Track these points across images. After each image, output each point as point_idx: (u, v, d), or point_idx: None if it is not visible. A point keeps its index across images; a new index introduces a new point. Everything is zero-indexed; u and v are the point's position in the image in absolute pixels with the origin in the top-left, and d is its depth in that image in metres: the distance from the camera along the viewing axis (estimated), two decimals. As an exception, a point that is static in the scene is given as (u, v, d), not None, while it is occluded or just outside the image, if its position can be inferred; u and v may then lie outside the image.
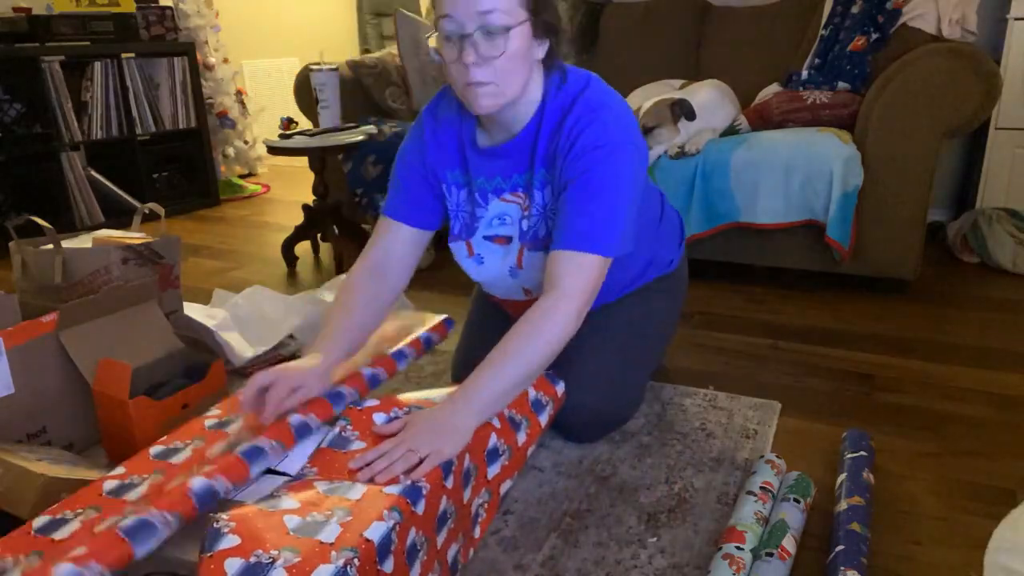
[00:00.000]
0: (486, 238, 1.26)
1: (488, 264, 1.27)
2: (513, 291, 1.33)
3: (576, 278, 1.09)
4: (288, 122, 3.13)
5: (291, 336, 1.88)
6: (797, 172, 2.10)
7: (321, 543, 0.82)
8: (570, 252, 1.09)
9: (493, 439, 1.12)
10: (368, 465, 0.96)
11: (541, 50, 1.11)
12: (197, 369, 1.49)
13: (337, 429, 1.09)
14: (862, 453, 1.29)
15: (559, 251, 1.11)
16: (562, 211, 1.13)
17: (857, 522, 1.10)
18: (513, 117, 1.16)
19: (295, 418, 1.06)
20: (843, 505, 1.15)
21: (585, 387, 1.32)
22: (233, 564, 0.78)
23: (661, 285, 1.47)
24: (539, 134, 1.16)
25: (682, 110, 2.23)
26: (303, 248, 2.87)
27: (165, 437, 1.11)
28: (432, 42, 1.08)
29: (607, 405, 1.37)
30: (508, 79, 1.07)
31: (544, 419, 1.24)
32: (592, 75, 1.19)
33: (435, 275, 2.51)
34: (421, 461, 0.96)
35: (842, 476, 1.24)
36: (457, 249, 1.30)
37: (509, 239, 1.24)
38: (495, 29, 1.02)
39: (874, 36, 2.35)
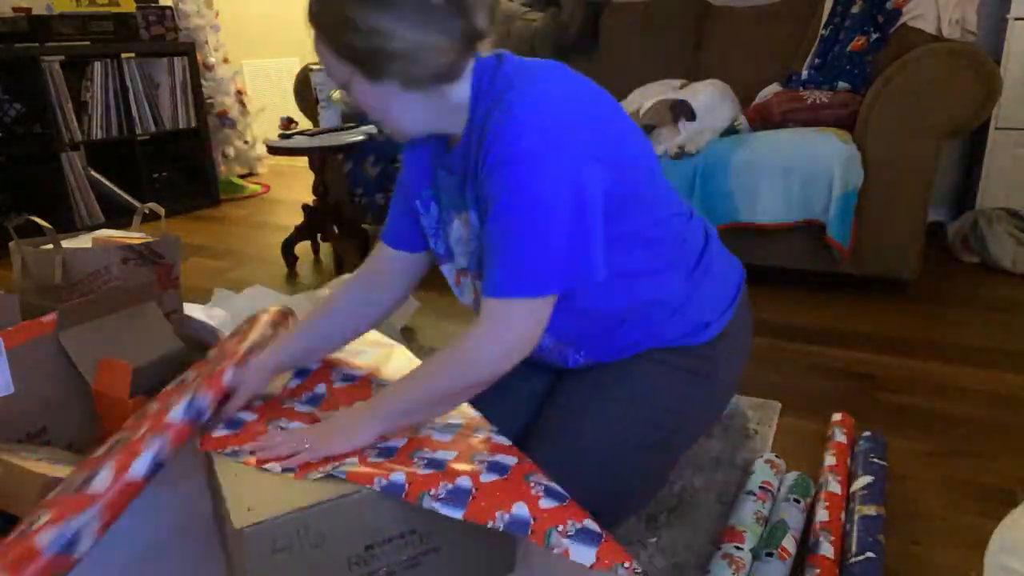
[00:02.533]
0: (459, 270, 1.16)
1: (466, 298, 1.19)
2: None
3: (497, 324, 0.95)
4: (288, 122, 3.12)
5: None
6: (797, 172, 2.10)
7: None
8: (490, 299, 0.95)
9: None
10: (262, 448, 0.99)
11: (398, 76, 0.95)
12: None
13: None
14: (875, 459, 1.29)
15: (484, 297, 0.97)
16: (484, 247, 0.99)
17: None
18: (446, 129, 1.04)
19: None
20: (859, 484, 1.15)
21: (555, 467, 1.00)
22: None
23: (682, 360, 1.11)
24: (469, 144, 1.01)
25: (682, 111, 2.23)
26: (303, 248, 2.87)
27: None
28: None
29: (589, 494, 0.97)
30: (384, 118, 1.01)
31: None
32: (533, 68, 0.98)
33: (435, 275, 2.51)
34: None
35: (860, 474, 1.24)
36: (447, 274, 1.20)
37: (466, 271, 1.13)
38: (341, 85, 1.00)
39: (874, 36, 2.35)
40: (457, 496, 0.86)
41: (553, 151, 0.91)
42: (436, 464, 0.93)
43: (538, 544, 0.82)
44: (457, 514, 0.85)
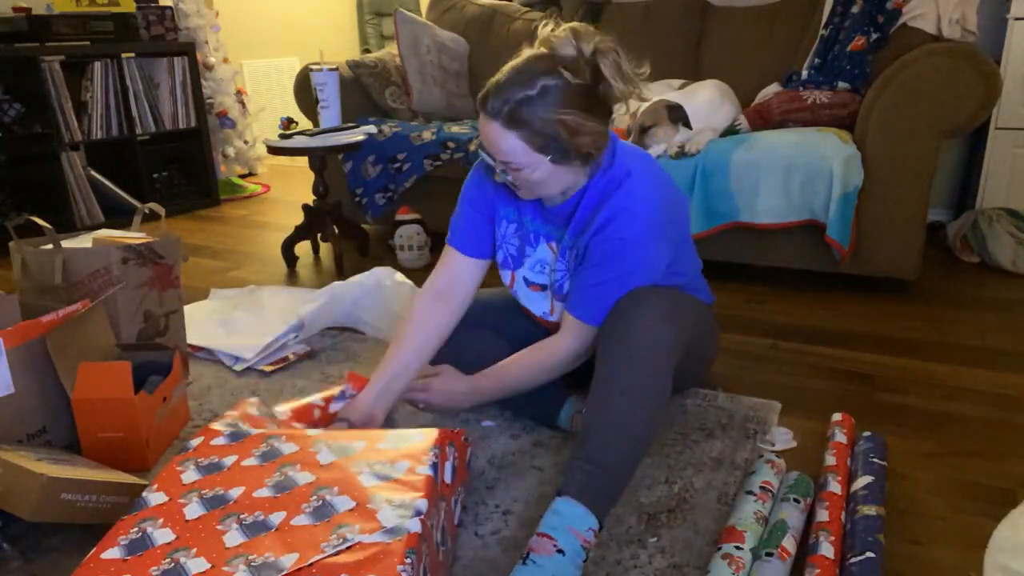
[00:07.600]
0: (526, 281, 1.42)
1: (524, 301, 1.46)
2: (543, 317, 1.46)
3: (575, 338, 1.31)
4: (288, 122, 3.12)
5: (298, 325, 1.90)
6: (797, 172, 2.10)
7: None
8: (576, 320, 1.30)
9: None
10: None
11: (576, 159, 1.23)
12: (151, 366, 1.52)
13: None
14: (875, 459, 1.29)
15: (565, 312, 1.32)
16: (579, 277, 1.30)
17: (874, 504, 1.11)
18: (559, 195, 1.33)
19: None
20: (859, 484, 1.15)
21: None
22: None
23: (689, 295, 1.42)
24: (578, 208, 1.32)
25: (677, 115, 2.23)
26: (303, 248, 2.87)
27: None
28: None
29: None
30: (538, 190, 1.27)
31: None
32: (642, 159, 1.30)
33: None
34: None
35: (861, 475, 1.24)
36: (503, 276, 1.47)
37: (544, 287, 1.41)
38: (513, 168, 1.22)
39: (874, 36, 2.35)
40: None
41: (645, 239, 1.25)
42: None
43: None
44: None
